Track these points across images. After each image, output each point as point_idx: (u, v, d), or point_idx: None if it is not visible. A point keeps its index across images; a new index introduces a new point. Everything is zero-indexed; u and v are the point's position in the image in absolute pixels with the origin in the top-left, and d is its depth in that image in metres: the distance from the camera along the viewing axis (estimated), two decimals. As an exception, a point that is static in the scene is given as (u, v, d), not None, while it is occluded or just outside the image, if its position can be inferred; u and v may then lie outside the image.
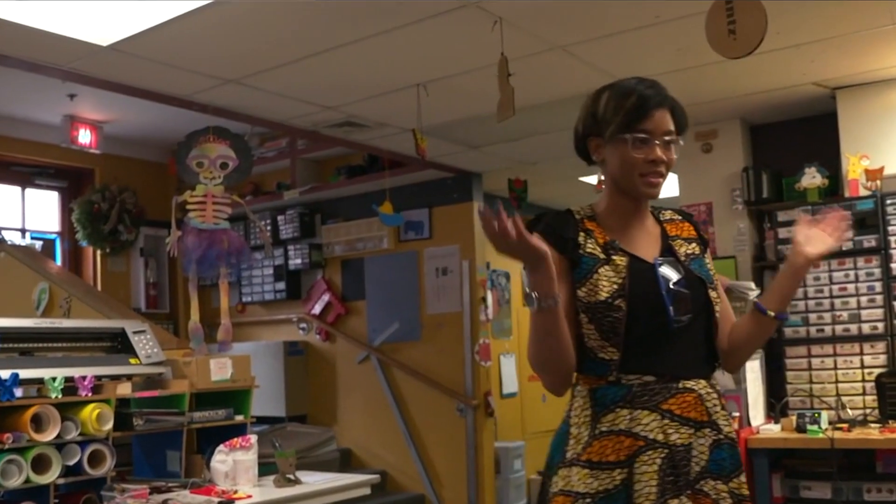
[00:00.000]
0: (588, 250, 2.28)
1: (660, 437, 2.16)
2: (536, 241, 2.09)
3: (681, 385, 2.21)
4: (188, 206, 5.10)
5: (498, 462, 7.91)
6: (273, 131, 7.15)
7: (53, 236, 8.19)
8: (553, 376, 2.25)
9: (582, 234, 2.31)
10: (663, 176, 2.31)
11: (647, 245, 2.35)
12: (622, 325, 2.19)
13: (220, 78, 5.03)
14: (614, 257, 2.27)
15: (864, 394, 5.30)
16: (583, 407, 2.26)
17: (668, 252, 2.35)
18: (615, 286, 2.22)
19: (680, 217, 2.49)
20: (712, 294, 2.32)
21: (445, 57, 4.85)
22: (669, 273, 2.26)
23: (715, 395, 2.27)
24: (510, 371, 8.85)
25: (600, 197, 2.43)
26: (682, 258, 2.34)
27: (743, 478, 2.25)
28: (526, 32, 4.48)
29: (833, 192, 5.78)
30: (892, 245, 5.29)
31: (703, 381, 2.25)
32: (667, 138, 2.29)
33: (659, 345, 2.22)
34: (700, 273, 2.33)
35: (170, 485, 4.23)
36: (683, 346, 2.25)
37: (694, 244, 2.42)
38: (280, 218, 8.45)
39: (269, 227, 8.43)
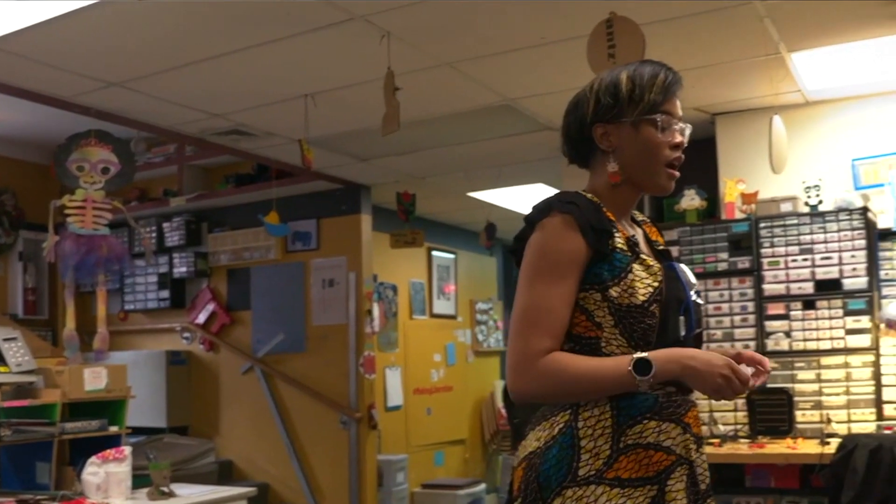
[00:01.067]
0: (618, 245, 2.04)
1: (684, 452, 2.00)
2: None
3: (692, 397, 2.06)
4: (67, 211, 5.01)
5: (381, 475, 7.91)
6: (160, 137, 7.04)
7: (-74, 238, 7.91)
8: (556, 399, 2.03)
9: (610, 225, 2.07)
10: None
11: (644, 244, 2.18)
12: (654, 332, 2.00)
13: (104, 80, 4.94)
14: (643, 256, 2.06)
15: (735, 410, 5.45)
16: (599, 418, 1.98)
17: (666, 254, 2.22)
18: (650, 289, 2.00)
19: (649, 220, 2.35)
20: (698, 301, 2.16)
21: (333, 69, 4.85)
22: (690, 279, 2.11)
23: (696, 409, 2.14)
24: (395, 384, 8.86)
25: (594, 188, 2.19)
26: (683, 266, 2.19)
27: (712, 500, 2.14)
28: (414, 48, 4.52)
29: (711, 214, 5.96)
30: (765, 266, 5.47)
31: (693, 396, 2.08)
32: (684, 125, 2.17)
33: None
34: (692, 279, 2.18)
35: (38, 498, 4.14)
36: None
37: (668, 248, 2.29)
38: (166, 225, 8.31)
39: (154, 234, 8.29)
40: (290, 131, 5.85)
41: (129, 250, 7.87)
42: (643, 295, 1.98)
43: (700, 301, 2.08)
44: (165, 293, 8.35)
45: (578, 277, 2.00)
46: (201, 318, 8.24)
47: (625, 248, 2.03)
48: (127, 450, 4.39)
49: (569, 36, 4.37)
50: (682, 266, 2.12)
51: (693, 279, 2.15)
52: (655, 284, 2.01)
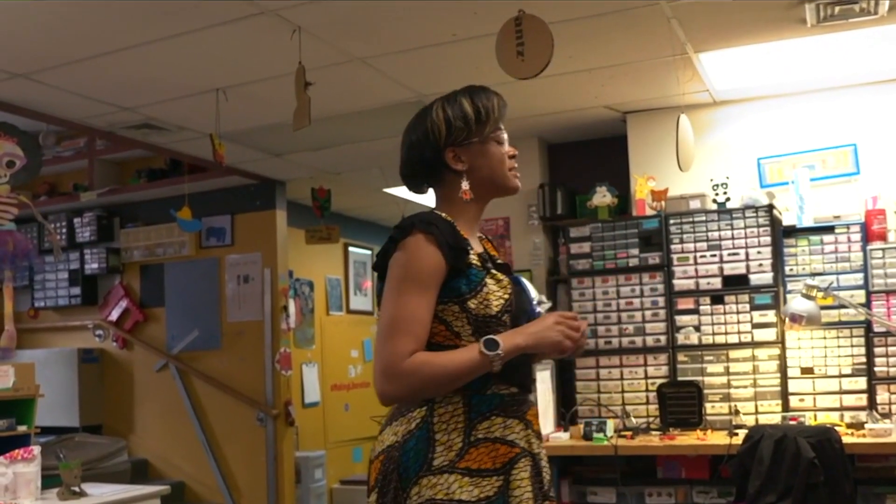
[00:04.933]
0: (473, 261, 2.22)
1: (526, 445, 2.20)
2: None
3: (531, 397, 2.29)
4: (-29, 206, 4.89)
5: (299, 471, 7.89)
6: (70, 130, 6.90)
7: None
8: (423, 396, 2.17)
9: (466, 243, 2.25)
10: None
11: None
12: None
13: (7, 72, 4.82)
14: (493, 271, 2.27)
15: (647, 403, 5.55)
16: (453, 414, 2.16)
17: (506, 269, 2.36)
18: (503, 301, 2.21)
19: (483, 236, 2.50)
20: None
21: (244, 63, 4.81)
22: (532, 292, 2.33)
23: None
24: (312, 380, 8.83)
25: (444, 209, 2.36)
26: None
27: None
28: (325, 43, 4.51)
29: (622, 210, 6.06)
30: (674, 262, 5.57)
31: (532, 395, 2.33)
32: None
33: (520, 358, 2.20)
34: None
35: (-59, 499, 4.04)
36: (527, 361, 2.29)
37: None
38: (76, 220, 8.16)
39: (64, 230, 8.13)
40: (202, 126, 5.78)
41: (37, 246, 7.73)
42: (497, 306, 2.19)
43: (542, 311, 2.27)
44: (77, 290, 8.20)
45: (438, 291, 2.17)
46: (114, 315, 8.11)
47: (478, 263, 2.23)
48: (36, 449, 4.30)
49: (480, 33, 4.40)
50: (524, 280, 2.36)
51: (534, 293, 2.38)
52: (507, 296, 2.22)
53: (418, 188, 2.46)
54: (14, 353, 5.05)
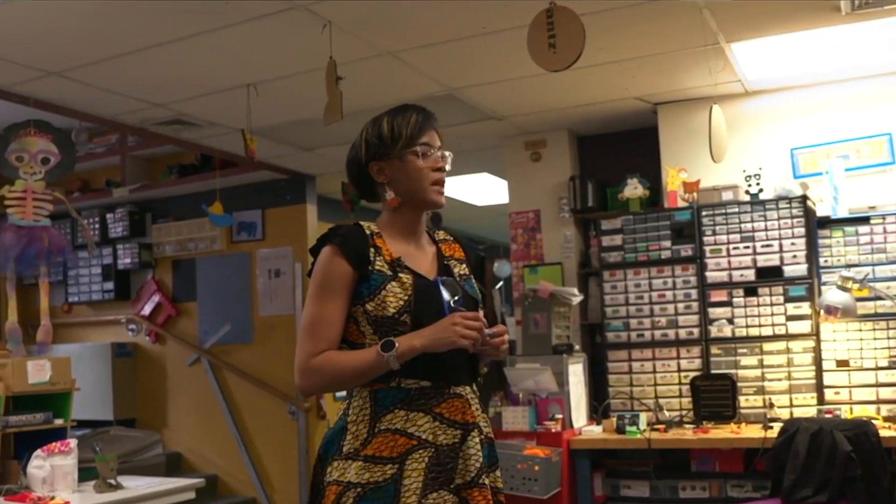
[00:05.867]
0: (377, 267, 2.43)
1: (430, 437, 2.35)
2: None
3: (451, 391, 2.41)
4: (7, 202, 4.94)
5: (330, 464, 7.90)
6: (102, 127, 6.95)
7: None
8: (326, 390, 2.55)
9: (372, 249, 2.46)
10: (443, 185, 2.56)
11: (426, 263, 2.55)
12: None
13: (43, 70, 4.86)
14: (401, 274, 2.44)
15: (680, 396, 5.54)
16: (362, 407, 2.39)
17: (446, 271, 2.55)
18: (402, 302, 2.38)
19: (451, 238, 2.70)
20: (480, 312, 2.49)
21: (275, 58, 4.83)
22: (449, 291, 2.42)
23: (477, 400, 2.50)
24: (344, 373, 8.83)
25: (383, 216, 2.60)
26: (458, 278, 2.55)
27: (498, 472, 2.51)
28: (355, 37, 4.52)
29: (654, 202, 6.03)
30: (707, 255, 5.55)
31: (468, 388, 2.46)
32: (442, 152, 2.57)
33: (436, 355, 2.36)
34: (472, 293, 2.55)
35: (-19, 492, 4.09)
36: (455, 356, 2.39)
37: (464, 265, 2.64)
38: (109, 216, 8.23)
39: (97, 226, 8.20)
40: (233, 121, 5.81)
41: (71, 242, 7.80)
42: (393, 308, 2.37)
43: (462, 308, 2.39)
44: (110, 285, 8.27)
45: (348, 295, 2.42)
46: (147, 310, 8.17)
47: (384, 268, 2.44)
48: (73, 442, 4.35)
49: (510, 25, 4.39)
50: (449, 280, 2.46)
51: (474, 292, 2.57)
52: (406, 298, 2.39)
53: (366, 197, 2.67)
54: (50, 347, 5.09)
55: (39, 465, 4.23)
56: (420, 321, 2.37)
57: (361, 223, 2.52)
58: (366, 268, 2.42)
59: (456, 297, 2.40)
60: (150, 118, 5.86)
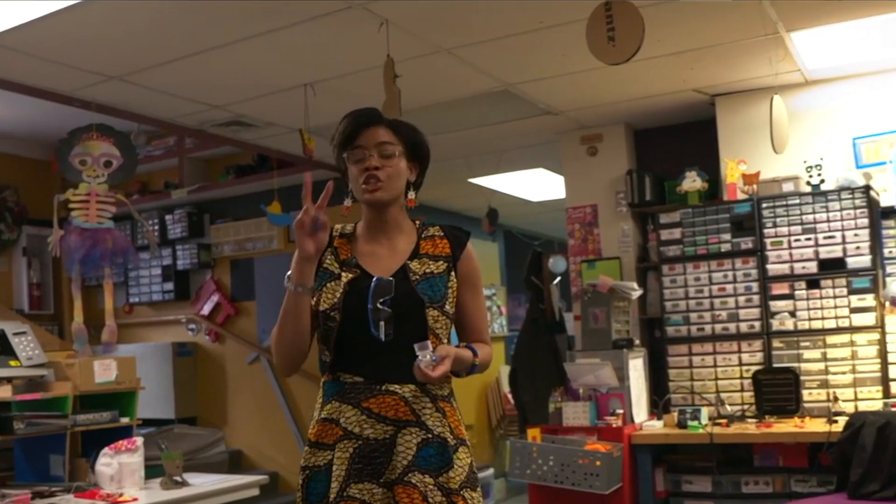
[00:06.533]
0: (325, 265, 2.56)
1: (356, 429, 2.43)
2: (313, 241, 2.43)
3: (384, 388, 2.45)
4: (71, 205, 5.02)
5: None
6: (160, 129, 7.04)
7: (-70, 236, 7.92)
8: (283, 358, 2.54)
9: (329, 250, 2.59)
10: (382, 181, 2.55)
11: (388, 262, 2.58)
12: (334, 333, 2.47)
13: (104, 74, 4.95)
14: (343, 273, 2.54)
15: (742, 390, 5.49)
16: (318, 396, 2.55)
17: (400, 271, 2.54)
18: (333, 300, 2.48)
19: (441, 234, 2.67)
20: (432, 313, 2.49)
21: (332, 57, 4.86)
22: (381, 291, 2.43)
23: (427, 400, 2.48)
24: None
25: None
26: (415, 276, 2.53)
27: (452, 473, 2.46)
28: (412, 35, 4.53)
29: (713, 195, 5.97)
30: (768, 247, 5.49)
31: (410, 386, 2.45)
32: (381, 148, 2.57)
33: (370, 353, 2.45)
34: (424, 293, 2.51)
35: (53, 489, 4.15)
36: (393, 356, 2.44)
37: (440, 262, 2.60)
38: (168, 217, 8.34)
39: (156, 227, 8.31)
40: (291, 121, 5.86)
41: (132, 243, 7.90)
42: (326, 304, 2.48)
43: (386, 309, 2.41)
44: (170, 285, 8.39)
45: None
46: (206, 310, 8.27)
47: (332, 267, 2.55)
48: (139, 440, 4.41)
49: (567, 20, 4.37)
50: (384, 281, 2.44)
51: (432, 292, 2.53)
52: (336, 297, 2.48)
53: None
54: (115, 347, 5.16)
55: (107, 462, 4.29)
56: (348, 319, 2.45)
57: (337, 225, 2.66)
58: (319, 267, 2.54)
59: (383, 299, 2.41)
60: (209, 120, 5.93)
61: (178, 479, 4.38)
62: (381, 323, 2.39)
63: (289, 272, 2.45)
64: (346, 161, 2.59)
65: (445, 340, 2.52)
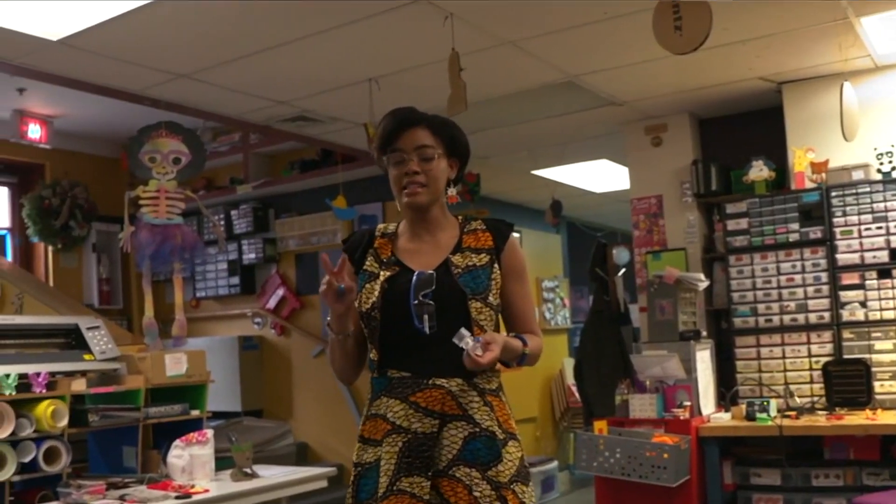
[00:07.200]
0: (366, 267, 2.61)
1: (404, 423, 2.43)
2: (341, 303, 2.45)
3: (431, 382, 2.45)
4: (141, 202, 5.10)
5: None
6: (225, 126, 7.13)
7: (3, 232, 8.10)
8: (340, 374, 2.66)
9: (370, 251, 2.64)
10: (423, 185, 2.57)
11: (430, 258, 2.59)
12: (377, 332, 2.51)
13: (172, 73, 5.03)
14: (382, 272, 2.56)
15: (811, 382, 5.41)
16: (368, 392, 2.58)
17: (443, 265, 2.55)
18: (372, 300, 2.51)
19: (484, 227, 2.67)
20: (475, 305, 2.49)
21: (397, 52, 4.88)
22: (422, 285, 2.45)
23: (474, 394, 2.48)
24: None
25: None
26: (457, 269, 2.54)
27: (501, 467, 2.44)
28: (477, 28, 4.53)
29: (780, 184, 5.89)
30: (837, 236, 5.41)
31: (457, 380, 2.45)
32: (421, 152, 2.56)
33: (416, 347, 2.48)
34: (467, 285, 2.51)
35: (126, 480, 4.24)
36: (438, 349, 2.44)
37: (483, 255, 2.59)
38: (233, 212, 8.43)
39: (222, 222, 8.40)
40: (355, 115, 5.90)
41: (200, 238, 8.01)
42: (366, 304, 2.52)
43: (429, 302, 2.41)
44: (236, 279, 8.48)
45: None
46: (272, 303, 8.35)
47: (372, 268, 2.59)
48: (209, 433, 4.48)
49: (633, 10, 4.34)
50: (425, 276, 2.45)
51: (475, 284, 2.52)
52: (375, 296, 2.51)
53: None
54: (185, 341, 5.24)
55: (179, 454, 4.36)
56: (389, 316, 2.49)
57: (380, 225, 2.72)
58: (360, 269, 2.61)
59: (424, 293, 2.42)
60: (275, 116, 5.99)
61: (248, 470, 4.44)
62: (425, 316, 2.41)
63: (328, 319, 2.53)
64: (387, 163, 2.60)
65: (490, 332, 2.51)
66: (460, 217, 2.70)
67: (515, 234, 2.73)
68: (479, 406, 2.47)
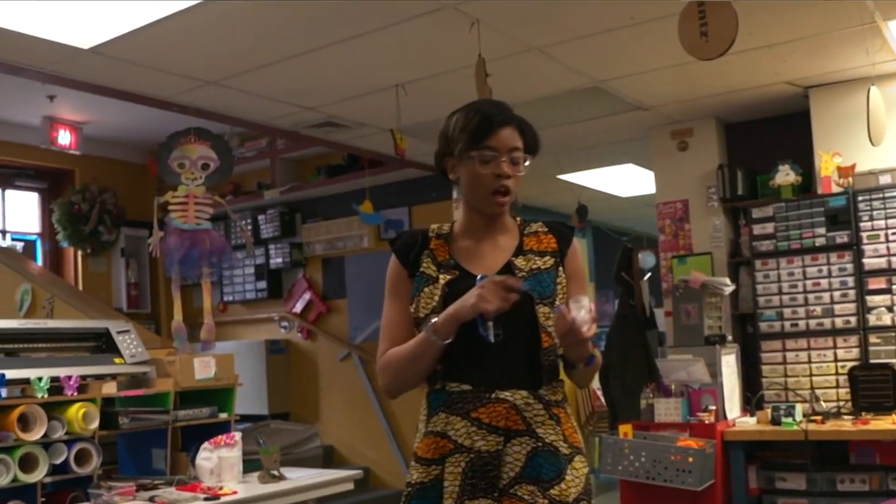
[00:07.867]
0: (422, 269, 2.43)
1: (466, 442, 2.28)
2: (501, 301, 2.23)
3: (494, 395, 2.29)
4: (170, 207, 5.15)
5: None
6: (253, 131, 7.19)
7: (34, 237, 8.20)
8: (398, 387, 2.42)
9: (426, 252, 2.45)
10: (510, 191, 2.40)
11: (491, 261, 2.43)
12: None
13: (201, 80, 5.08)
14: (441, 276, 2.40)
15: (837, 387, 5.40)
16: (423, 408, 2.42)
17: (505, 269, 2.40)
18: (432, 304, 2.36)
19: (546, 230, 2.53)
20: (542, 310, 2.34)
21: (424, 58, 4.91)
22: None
23: (540, 406, 2.33)
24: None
25: (461, 212, 2.55)
26: (522, 273, 2.38)
27: (565, 485, 2.30)
28: (503, 34, 4.55)
29: (806, 189, 5.87)
30: (864, 241, 5.39)
31: (522, 393, 2.31)
32: (513, 154, 2.39)
33: (477, 357, 2.31)
34: (533, 289, 2.35)
35: (156, 482, 4.28)
36: (502, 359, 2.32)
37: (547, 258, 2.45)
38: (260, 217, 8.50)
39: (249, 227, 8.48)
40: (382, 121, 5.93)
41: (228, 243, 8.08)
42: (424, 309, 2.36)
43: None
44: (263, 284, 8.54)
45: (408, 296, 2.44)
46: (298, 308, 8.40)
47: (429, 271, 2.42)
48: (237, 435, 4.51)
49: (659, 15, 4.36)
50: (496, 277, 2.29)
51: (541, 287, 2.37)
52: (434, 300, 2.36)
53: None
54: (213, 344, 5.28)
55: (207, 456, 4.39)
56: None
57: (433, 226, 2.54)
58: (415, 272, 2.43)
59: None
60: (302, 121, 6.03)
61: (276, 472, 4.47)
62: (489, 324, 2.24)
63: (435, 319, 2.29)
64: (466, 157, 2.39)
65: (558, 340, 2.31)
66: (518, 219, 2.54)
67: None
68: (544, 419, 2.32)
